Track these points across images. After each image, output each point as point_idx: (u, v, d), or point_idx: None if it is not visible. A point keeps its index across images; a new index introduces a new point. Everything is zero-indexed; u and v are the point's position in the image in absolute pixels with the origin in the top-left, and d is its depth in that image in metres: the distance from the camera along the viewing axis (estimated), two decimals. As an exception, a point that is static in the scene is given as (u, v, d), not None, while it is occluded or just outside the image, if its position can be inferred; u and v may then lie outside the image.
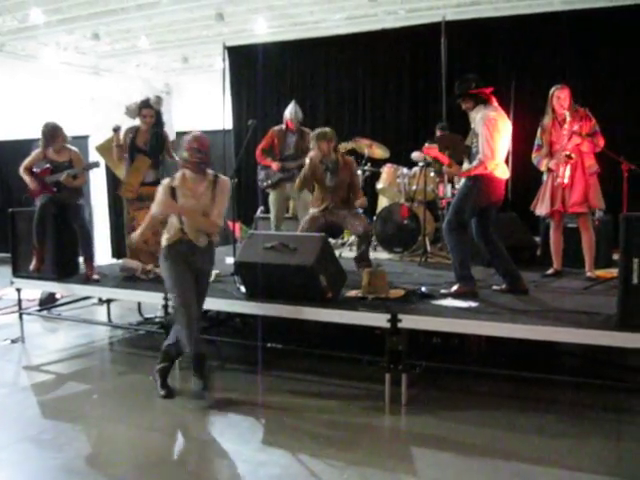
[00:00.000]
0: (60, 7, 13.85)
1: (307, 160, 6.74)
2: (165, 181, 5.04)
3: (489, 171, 5.35)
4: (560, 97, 6.23)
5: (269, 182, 7.64)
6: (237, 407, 4.95)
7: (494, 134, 5.30)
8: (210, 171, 5.07)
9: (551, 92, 6.34)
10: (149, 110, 6.87)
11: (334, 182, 6.71)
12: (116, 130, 6.90)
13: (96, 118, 14.02)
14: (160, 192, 4.99)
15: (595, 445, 4.18)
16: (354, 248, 7.37)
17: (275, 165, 7.58)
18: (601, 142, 6.18)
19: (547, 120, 6.35)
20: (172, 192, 4.94)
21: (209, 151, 4.99)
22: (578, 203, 6.18)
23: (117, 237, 11.62)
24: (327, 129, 6.77)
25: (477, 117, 5.41)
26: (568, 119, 6.18)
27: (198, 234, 4.99)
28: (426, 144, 6.93)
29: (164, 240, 5.05)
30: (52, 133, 6.62)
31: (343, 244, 8.97)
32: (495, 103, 5.49)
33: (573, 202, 6.19)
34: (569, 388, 5.04)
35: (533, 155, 6.43)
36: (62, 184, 6.56)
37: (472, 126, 5.55)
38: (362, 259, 6.77)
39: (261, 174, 7.81)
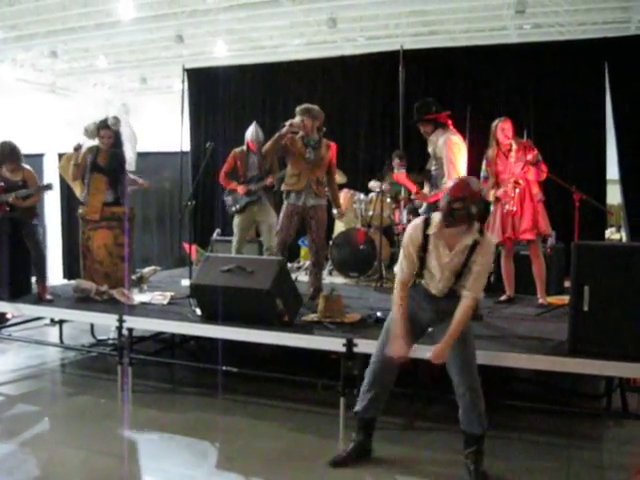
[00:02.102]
0: (17, 24, 13.74)
1: (286, 125, 6.28)
2: (417, 222, 4.18)
3: None
4: (504, 128, 6.37)
5: (237, 207, 7.55)
6: (190, 430, 4.91)
7: (458, 157, 5.40)
8: (476, 227, 4.08)
9: (494, 124, 6.47)
10: (107, 131, 6.86)
11: (313, 156, 6.34)
12: (77, 149, 6.85)
13: (52, 136, 13.85)
14: (406, 241, 4.17)
15: (546, 469, 4.24)
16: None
17: (241, 189, 7.47)
18: (544, 169, 6.34)
19: (491, 152, 6.48)
20: (425, 239, 4.10)
21: (474, 200, 4.01)
22: (529, 229, 6.30)
23: (69, 257, 11.47)
24: (314, 106, 6.40)
25: (439, 142, 5.49)
26: (514, 147, 6.32)
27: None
28: (395, 170, 6.97)
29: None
30: (9, 153, 6.52)
31: (299, 267, 8.98)
32: (451, 126, 5.60)
33: (524, 229, 6.31)
34: (521, 413, 5.10)
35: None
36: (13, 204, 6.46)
37: (429, 149, 5.64)
38: (318, 291, 6.51)
39: (228, 199, 7.68)
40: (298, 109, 6.36)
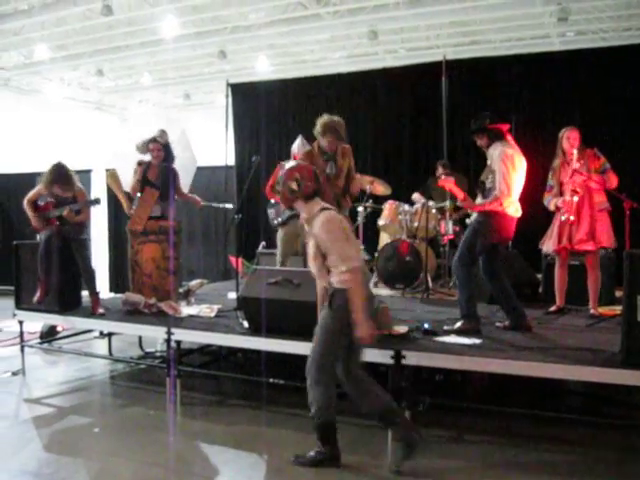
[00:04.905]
0: (65, 44, 14.07)
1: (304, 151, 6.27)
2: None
3: (502, 208, 5.39)
4: (570, 137, 6.30)
5: (279, 220, 7.56)
6: (238, 442, 4.92)
7: (511, 171, 5.34)
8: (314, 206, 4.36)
9: (561, 134, 6.40)
10: (155, 144, 6.95)
11: (334, 170, 6.25)
12: (141, 164, 6.97)
13: (99, 152, 14.09)
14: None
15: (600, 483, 4.17)
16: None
17: None
18: (613, 180, 6.20)
19: (557, 161, 6.41)
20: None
21: (289, 178, 4.36)
22: (584, 240, 6.19)
23: (116, 271, 11.64)
24: (335, 118, 6.10)
25: (494, 154, 5.43)
26: (575, 156, 6.24)
27: None
28: (442, 176, 6.90)
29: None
30: (59, 175, 6.63)
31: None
32: (511, 140, 5.54)
33: (579, 239, 6.20)
34: (573, 426, 5.01)
35: (544, 196, 6.48)
36: (65, 218, 6.58)
37: (488, 162, 5.56)
38: None
39: (271, 212, 7.69)
40: (322, 129, 6.08)
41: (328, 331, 4.21)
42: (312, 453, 4.35)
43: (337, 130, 6.11)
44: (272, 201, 7.68)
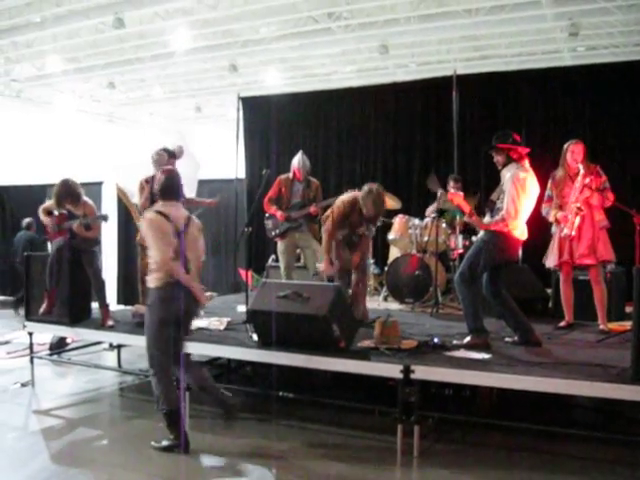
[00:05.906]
0: (77, 56, 14.17)
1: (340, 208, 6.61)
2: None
3: (508, 230, 5.38)
4: (574, 151, 6.29)
5: (277, 232, 7.61)
6: (247, 456, 4.92)
7: (520, 194, 5.32)
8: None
9: (566, 146, 6.40)
10: (173, 160, 6.96)
11: (370, 233, 6.88)
12: (148, 181, 6.96)
13: (110, 165, 14.18)
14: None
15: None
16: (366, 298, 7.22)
17: (279, 214, 7.55)
18: (610, 197, 6.23)
19: (560, 173, 6.40)
20: None
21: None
22: (585, 255, 6.19)
23: (124, 283, 11.65)
24: (376, 191, 6.38)
25: (507, 175, 5.42)
26: (581, 172, 6.22)
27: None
28: (452, 189, 6.90)
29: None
30: (66, 192, 6.65)
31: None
32: (527, 164, 5.51)
33: (580, 254, 6.21)
34: (582, 441, 4.97)
35: (543, 206, 6.45)
36: (75, 232, 6.61)
37: (501, 182, 5.55)
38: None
39: (268, 223, 7.75)
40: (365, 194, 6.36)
41: (148, 326, 5.07)
42: (165, 442, 4.91)
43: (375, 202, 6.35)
44: (268, 213, 7.75)
